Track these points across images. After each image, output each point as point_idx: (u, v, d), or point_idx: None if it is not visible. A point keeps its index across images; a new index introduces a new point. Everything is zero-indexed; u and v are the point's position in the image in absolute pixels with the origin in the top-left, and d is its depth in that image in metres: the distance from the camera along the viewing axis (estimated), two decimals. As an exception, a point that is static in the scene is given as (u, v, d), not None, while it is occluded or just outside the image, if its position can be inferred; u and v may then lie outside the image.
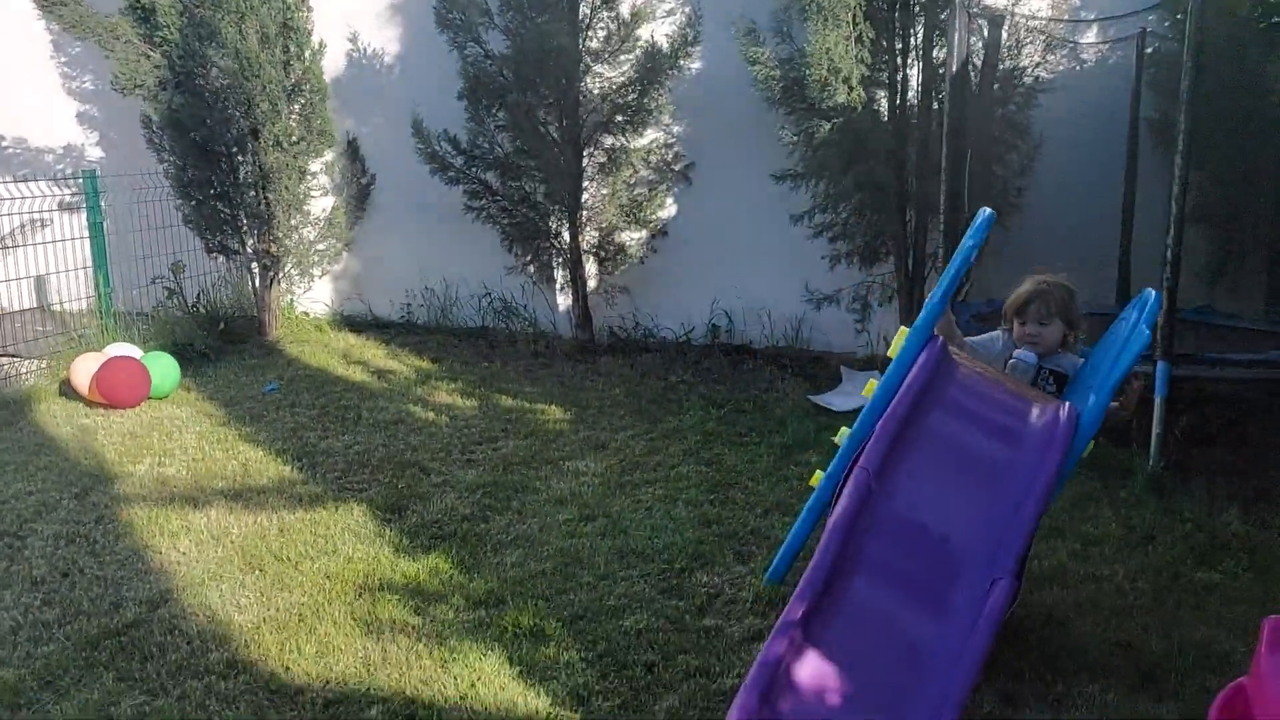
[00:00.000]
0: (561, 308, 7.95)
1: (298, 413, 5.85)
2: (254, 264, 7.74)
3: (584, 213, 7.56)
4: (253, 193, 7.51)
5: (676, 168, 7.75)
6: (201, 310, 7.66)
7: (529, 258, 7.70)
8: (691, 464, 5.04)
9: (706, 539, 4.11)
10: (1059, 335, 3.40)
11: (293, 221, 7.72)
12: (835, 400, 6.30)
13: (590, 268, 7.72)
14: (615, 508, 4.44)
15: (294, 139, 7.53)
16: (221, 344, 7.35)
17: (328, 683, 3.04)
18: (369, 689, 3.00)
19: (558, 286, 7.89)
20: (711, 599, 3.61)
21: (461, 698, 2.95)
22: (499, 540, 4.10)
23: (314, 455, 5.11)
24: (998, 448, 2.84)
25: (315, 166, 7.92)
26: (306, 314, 8.38)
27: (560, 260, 7.69)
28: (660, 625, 3.39)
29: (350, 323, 8.25)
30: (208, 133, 7.43)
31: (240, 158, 7.50)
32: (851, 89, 6.34)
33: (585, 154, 7.55)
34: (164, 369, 6.08)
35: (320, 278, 8.21)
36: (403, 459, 5.07)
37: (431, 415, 5.85)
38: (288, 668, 3.13)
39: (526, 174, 7.49)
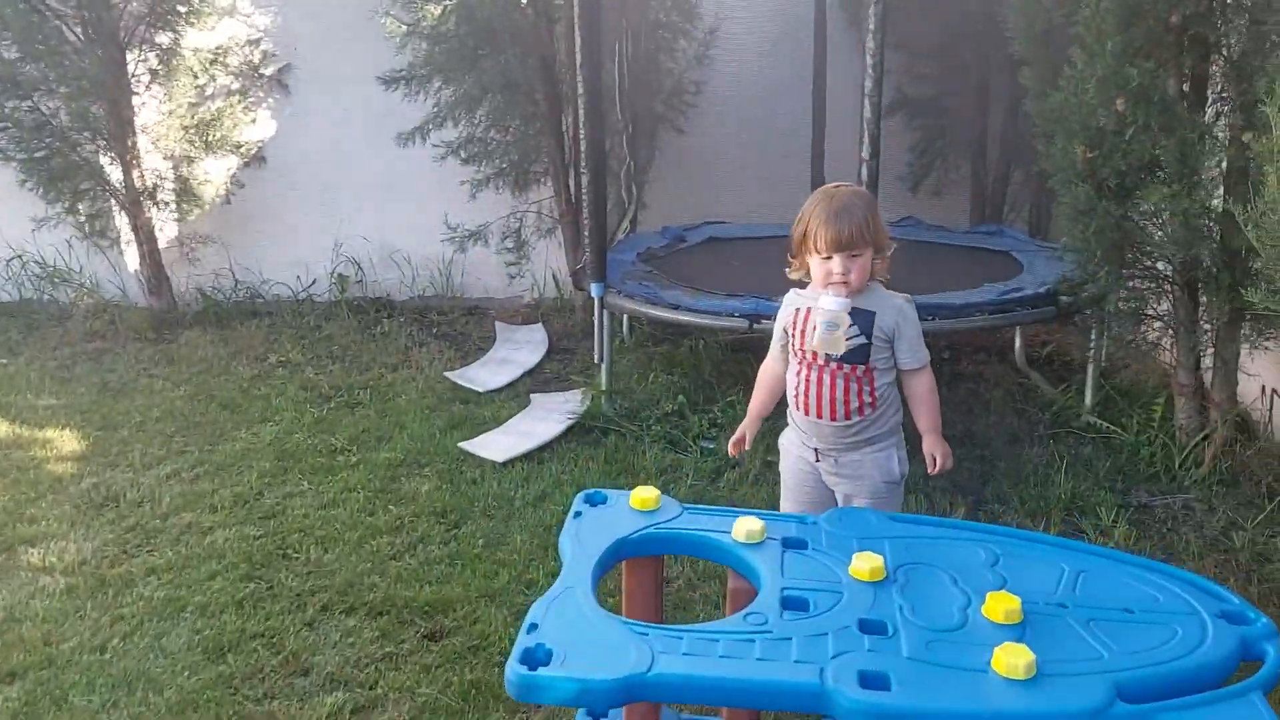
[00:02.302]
0: (132, 268, 5.96)
1: None
2: None
3: (137, 138, 5.56)
4: None
5: (267, 72, 5.87)
6: None
7: (67, 204, 5.62)
8: (238, 522, 3.42)
9: (199, 695, 2.54)
10: (870, 264, 2.40)
11: None
12: (479, 375, 4.82)
13: (160, 212, 5.75)
14: (70, 643, 2.76)
15: None
16: None
17: None
18: None
19: (122, 241, 5.89)
20: None
21: None
22: None
23: None
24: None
25: None
26: None
27: (119, 205, 5.68)
28: None
29: None
30: None
31: None
32: (462, -44, 4.72)
33: (132, 57, 5.52)
34: None
35: None
36: None
37: None
38: None
39: (43, 88, 5.37)
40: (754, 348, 4.64)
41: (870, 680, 1.56)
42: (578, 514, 2.08)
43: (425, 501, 3.54)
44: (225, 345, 5.35)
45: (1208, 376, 3.58)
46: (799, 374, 2.49)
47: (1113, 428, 3.88)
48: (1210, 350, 3.48)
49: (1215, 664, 1.63)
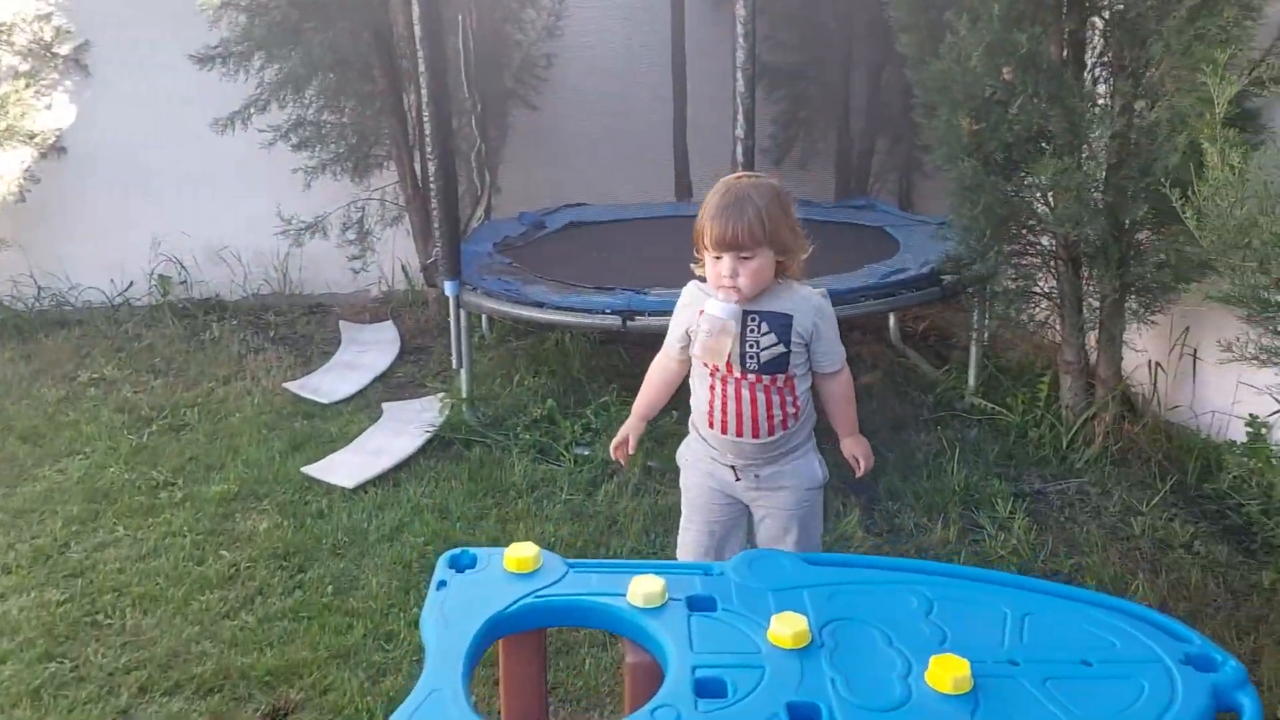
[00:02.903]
0: (-91, 279, 5.20)
1: None
2: None
3: (-95, 130, 4.82)
4: None
5: (62, 51, 5.19)
6: None
7: None
8: (37, 584, 2.90)
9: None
10: (771, 266, 2.13)
11: None
12: (324, 384, 4.36)
13: (-61, 214, 5.03)
14: None
15: None
16: None
17: None
18: None
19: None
20: None
21: None
22: None
23: None
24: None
25: None
26: None
27: (-113, 206, 4.93)
28: None
29: None
30: None
31: None
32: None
33: (-108, 36, 4.76)
34: None
35: None
36: None
37: None
38: None
39: None
40: (625, 340, 4.35)
41: (809, 790, 1.28)
42: (442, 584, 1.72)
43: (264, 542, 3.10)
44: (27, 363, 4.70)
45: (1093, 354, 3.47)
46: (712, 389, 2.20)
47: (998, 409, 3.74)
48: (1096, 326, 3.36)
49: (1191, 726, 1.42)
